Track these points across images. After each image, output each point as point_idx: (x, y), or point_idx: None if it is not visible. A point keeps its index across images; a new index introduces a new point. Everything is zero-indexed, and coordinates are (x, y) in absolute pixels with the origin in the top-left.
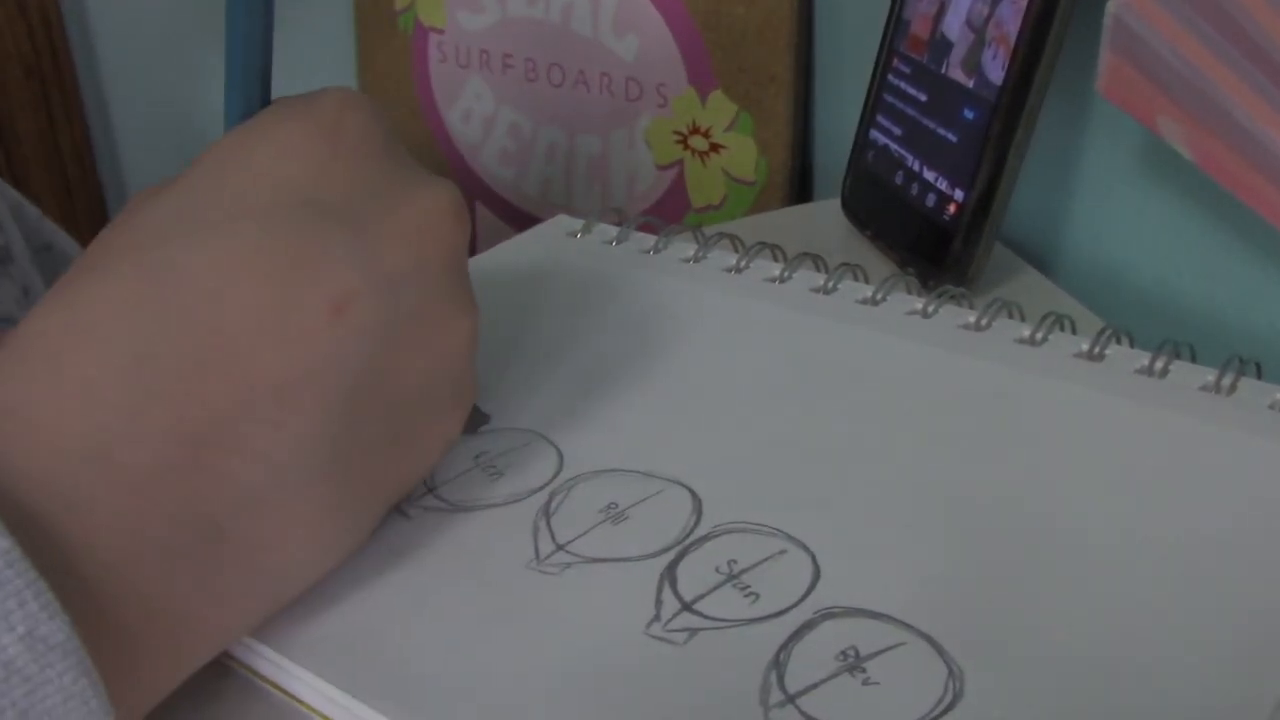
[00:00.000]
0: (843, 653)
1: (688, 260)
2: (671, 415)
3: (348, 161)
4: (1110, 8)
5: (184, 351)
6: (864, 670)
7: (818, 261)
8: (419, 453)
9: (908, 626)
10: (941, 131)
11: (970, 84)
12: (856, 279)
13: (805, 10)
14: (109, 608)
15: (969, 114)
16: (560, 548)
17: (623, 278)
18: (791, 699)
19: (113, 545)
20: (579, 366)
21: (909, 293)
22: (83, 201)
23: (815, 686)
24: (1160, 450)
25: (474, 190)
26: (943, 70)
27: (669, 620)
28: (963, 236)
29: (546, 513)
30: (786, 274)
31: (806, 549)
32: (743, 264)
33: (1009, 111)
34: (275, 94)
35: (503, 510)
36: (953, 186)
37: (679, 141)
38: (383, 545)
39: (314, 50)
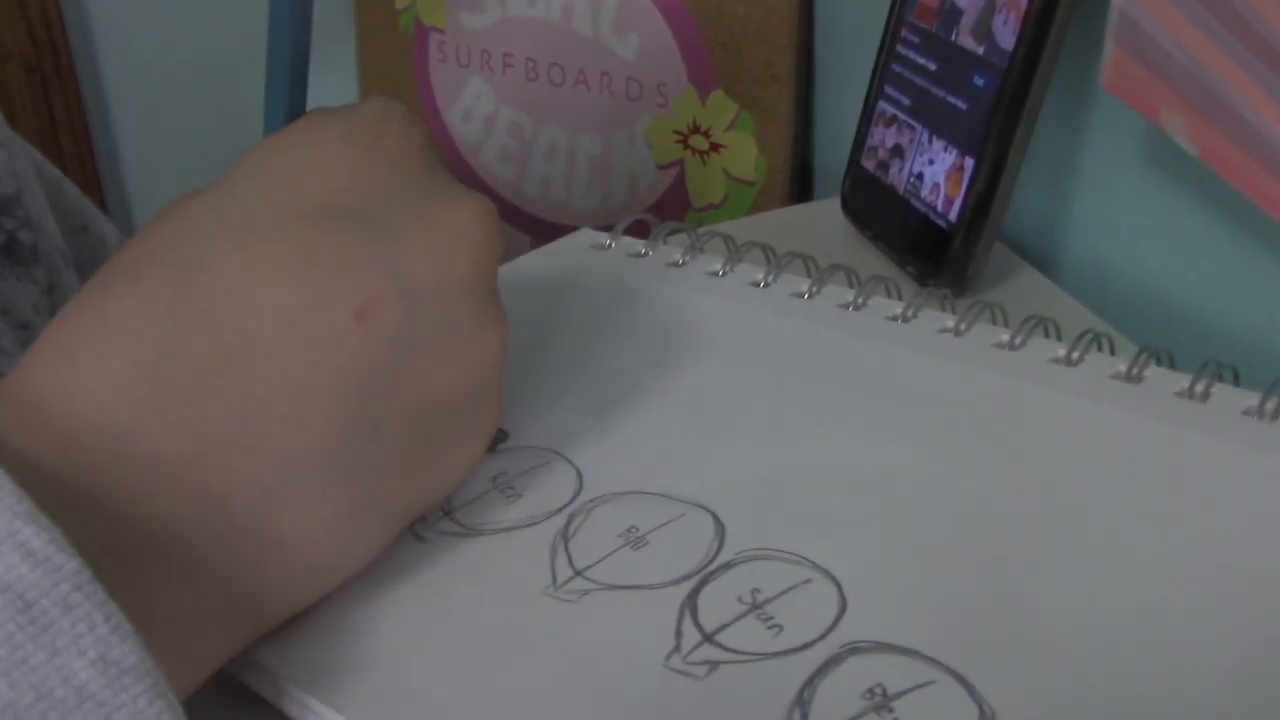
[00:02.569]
0: (869, 690)
1: (714, 274)
2: (694, 434)
3: (383, 172)
4: (1115, 1)
5: (207, 350)
6: (891, 710)
7: (850, 275)
8: (443, 465)
9: (936, 663)
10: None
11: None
12: (890, 294)
13: (805, 9)
14: (129, 603)
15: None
16: (578, 573)
17: (647, 292)
18: None
19: (131, 544)
20: (601, 382)
21: (941, 310)
22: None
23: None
24: (1199, 475)
25: (474, 189)
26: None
27: (689, 652)
28: (963, 235)
29: (565, 536)
30: (815, 289)
31: (832, 578)
32: (770, 278)
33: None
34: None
35: (520, 534)
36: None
37: (679, 141)
38: (397, 570)
39: (315, 50)
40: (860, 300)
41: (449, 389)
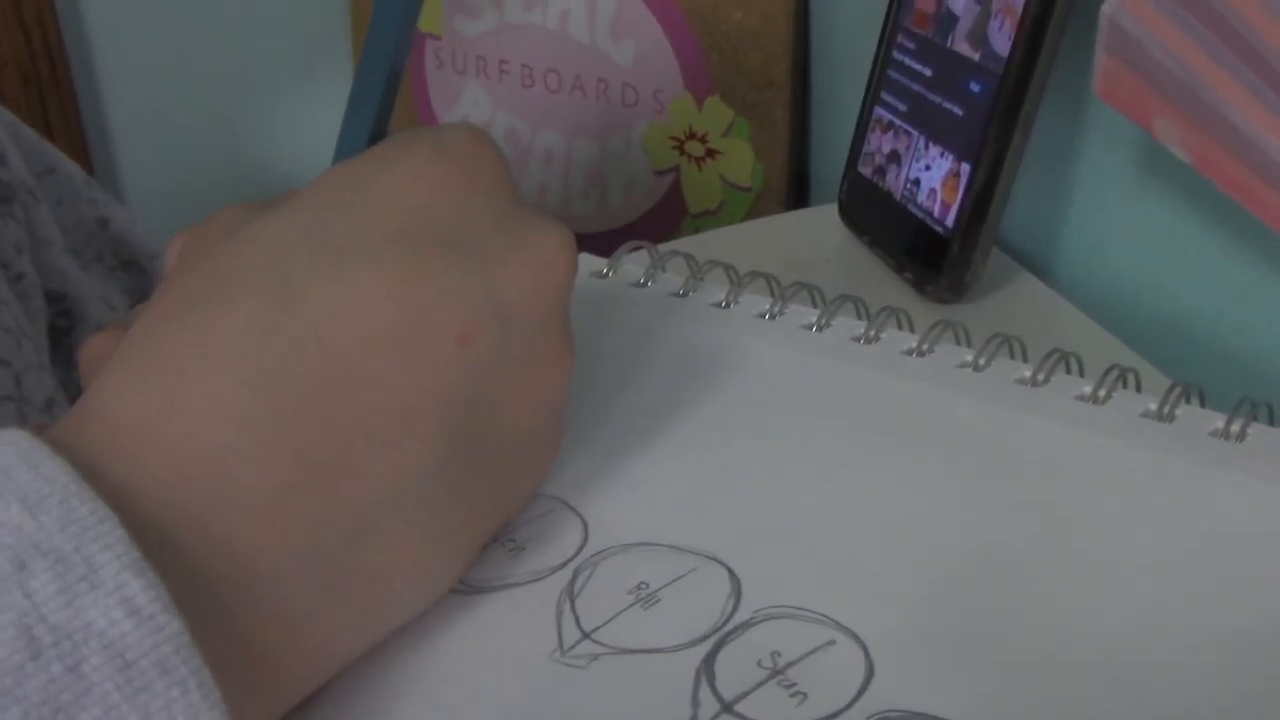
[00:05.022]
0: None
1: (718, 304)
2: (705, 478)
3: (476, 197)
4: (1104, 9)
5: (311, 373)
6: None
7: (859, 306)
8: (516, 490)
9: None
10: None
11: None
12: (900, 326)
13: (801, 15)
14: (217, 638)
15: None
16: (586, 636)
17: (649, 326)
18: None
19: (227, 572)
20: (605, 424)
21: (957, 343)
22: None
23: None
24: (1245, 526)
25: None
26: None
27: None
28: (960, 241)
29: (571, 594)
30: (824, 320)
31: (858, 639)
32: (777, 309)
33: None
34: (277, 101)
35: (524, 590)
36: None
37: (676, 147)
38: (398, 631)
39: (311, 55)
40: (873, 333)
41: (527, 414)
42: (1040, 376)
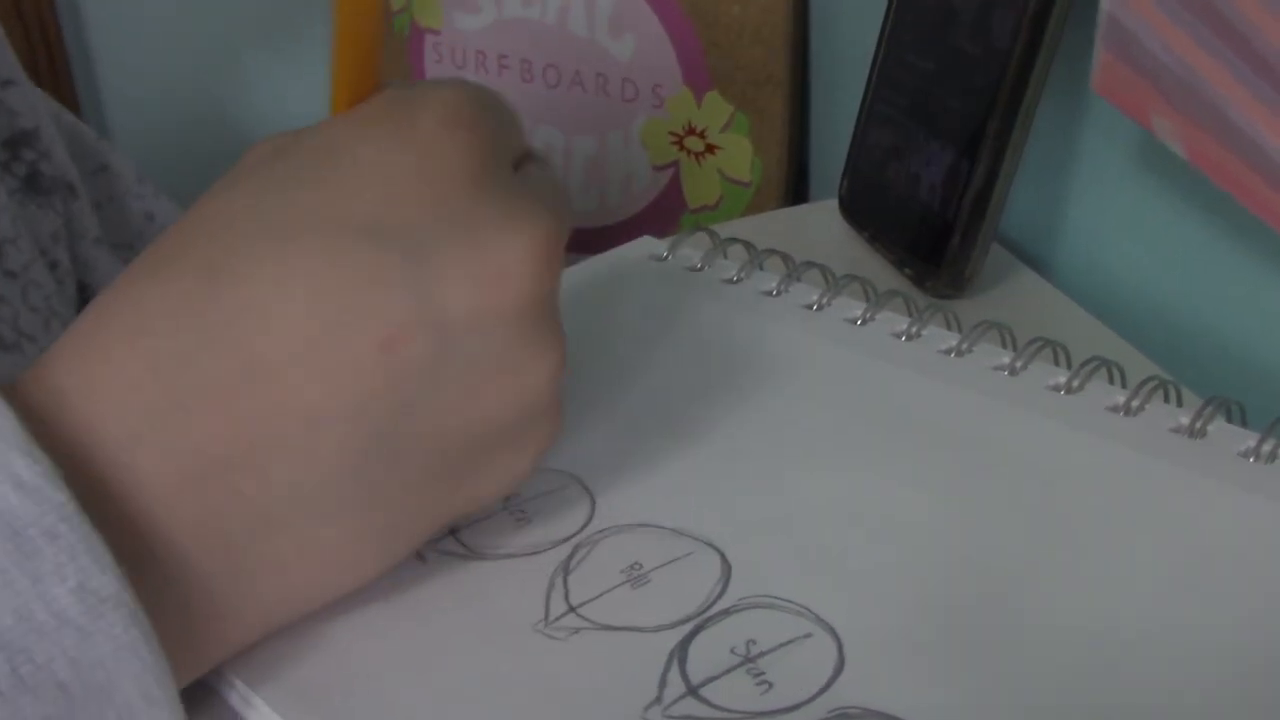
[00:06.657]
0: None
1: (769, 293)
2: (719, 467)
3: (433, 186)
4: (1104, 4)
5: (223, 366)
6: None
7: (910, 303)
8: (482, 484)
9: None
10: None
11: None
12: (950, 326)
13: (801, 10)
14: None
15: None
16: (572, 609)
17: (695, 310)
18: None
19: (129, 546)
20: (633, 405)
21: (1002, 345)
22: None
23: None
24: (1251, 542)
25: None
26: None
27: (671, 704)
28: (960, 236)
29: (566, 569)
30: (870, 315)
31: (834, 634)
32: (825, 300)
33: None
34: (279, 97)
35: (522, 561)
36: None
37: (675, 142)
38: (392, 590)
39: (310, 51)
40: (915, 330)
41: (491, 415)
42: (1075, 384)
